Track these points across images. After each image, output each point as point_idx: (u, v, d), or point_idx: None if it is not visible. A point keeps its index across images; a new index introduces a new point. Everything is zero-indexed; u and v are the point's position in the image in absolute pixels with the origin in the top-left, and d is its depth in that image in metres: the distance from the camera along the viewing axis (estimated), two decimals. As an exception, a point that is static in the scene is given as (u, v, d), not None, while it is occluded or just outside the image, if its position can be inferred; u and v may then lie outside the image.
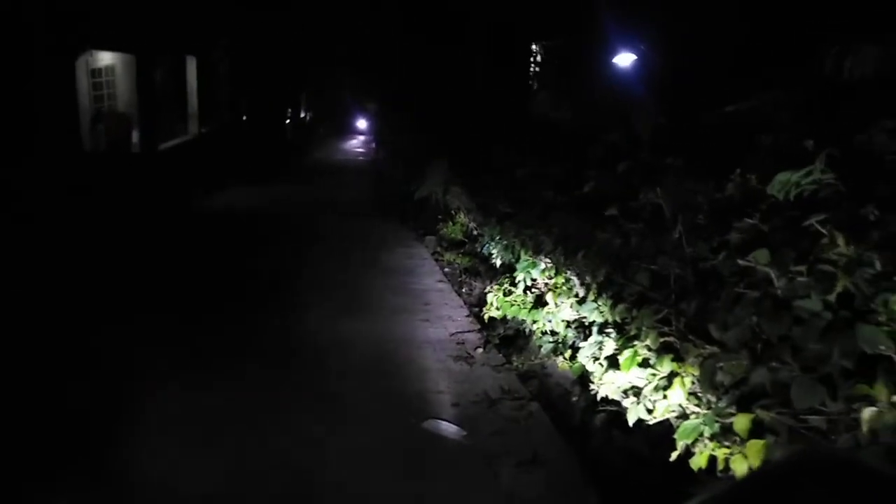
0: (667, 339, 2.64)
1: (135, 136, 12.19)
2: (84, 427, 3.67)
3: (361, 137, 30.16)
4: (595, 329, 3.31)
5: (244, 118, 18.10)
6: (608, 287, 3.12)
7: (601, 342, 3.20)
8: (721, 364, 2.29)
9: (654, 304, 2.67)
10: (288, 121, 23.35)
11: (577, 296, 3.79)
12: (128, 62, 12.27)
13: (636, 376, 2.80)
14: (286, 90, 21.69)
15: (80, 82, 10.99)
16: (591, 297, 3.36)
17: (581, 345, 3.51)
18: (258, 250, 8.48)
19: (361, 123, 31.03)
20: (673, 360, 2.60)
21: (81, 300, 5.81)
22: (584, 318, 3.58)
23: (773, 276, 2.03)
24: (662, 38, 5.94)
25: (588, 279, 3.36)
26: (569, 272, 3.84)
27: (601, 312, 3.23)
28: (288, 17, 17.37)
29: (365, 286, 6.89)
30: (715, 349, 2.35)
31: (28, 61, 8.82)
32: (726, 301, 2.18)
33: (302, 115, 27.51)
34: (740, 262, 2.14)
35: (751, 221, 2.17)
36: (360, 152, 25.82)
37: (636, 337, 2.81)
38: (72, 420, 3.72)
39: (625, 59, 7.21)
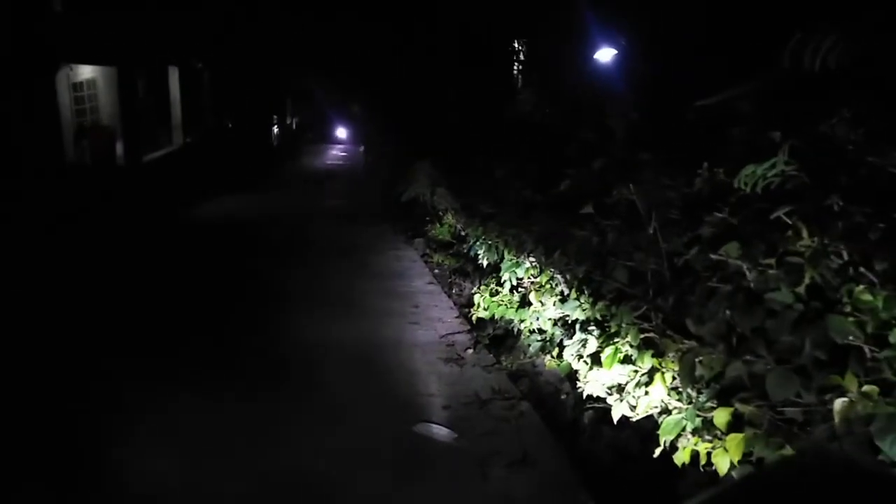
0: (647, 334, 2.65)
1: (119, 149, 12.13)
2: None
3: (348, 143, 30.00)
4: (578, 327, 3.31)
5: (229, 126, 18.04)
6: (588, 284, 3.13)
7: (585, 340, 3.20)
8: (700, 358, 2.29)
9: (633, 300, 2.67)
10: (274, 127, 23.32)
11: (561, 294, 3.79)
12: (109, 74, 12.21)
13: (618, 373, 2.80)
14: (271, 97, 21.65)
15: (62, 97, 10.93)
16: (572, 294, 3.36)
17: (567, 343, 3.51)
18: (247, 258, 8.44)
19: (347, 129, 30.80)
20: (653, 355, 2.60)
21: (64, 318, 5.77)
22: (568, 315, 3.59)
23: (744, 269, 2.03)
24: (639, 32, 5.94)
25: (569, 277, 3.36)
26: (552, 270, 3.84)
27: (583, 310, 3.23)
28: (270, 25, 17.32)
29: (355, 290, 6.88)
30: (693, 343, 2.35)
31: (4, 78, 8.77)
32: (700, 295, 2.19)
33: (288, 121, 27.46)
34: (713, 256, 2.14)
35: (720, 215, 2.18)
36: (348, 157, 25.73)
37: (617, 334, 2.81)
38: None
39: (606, 55, 7.16)
